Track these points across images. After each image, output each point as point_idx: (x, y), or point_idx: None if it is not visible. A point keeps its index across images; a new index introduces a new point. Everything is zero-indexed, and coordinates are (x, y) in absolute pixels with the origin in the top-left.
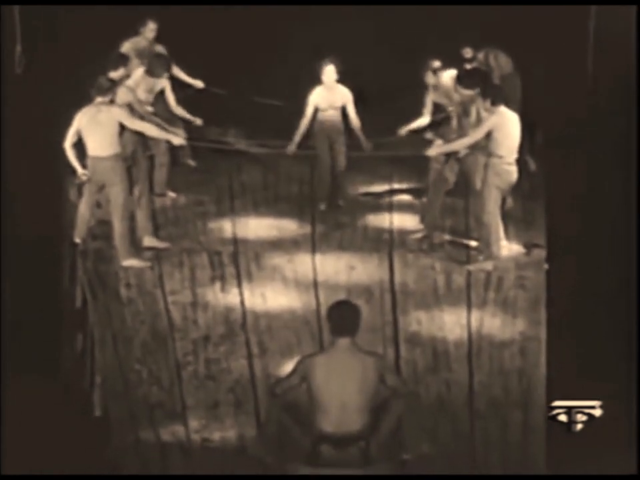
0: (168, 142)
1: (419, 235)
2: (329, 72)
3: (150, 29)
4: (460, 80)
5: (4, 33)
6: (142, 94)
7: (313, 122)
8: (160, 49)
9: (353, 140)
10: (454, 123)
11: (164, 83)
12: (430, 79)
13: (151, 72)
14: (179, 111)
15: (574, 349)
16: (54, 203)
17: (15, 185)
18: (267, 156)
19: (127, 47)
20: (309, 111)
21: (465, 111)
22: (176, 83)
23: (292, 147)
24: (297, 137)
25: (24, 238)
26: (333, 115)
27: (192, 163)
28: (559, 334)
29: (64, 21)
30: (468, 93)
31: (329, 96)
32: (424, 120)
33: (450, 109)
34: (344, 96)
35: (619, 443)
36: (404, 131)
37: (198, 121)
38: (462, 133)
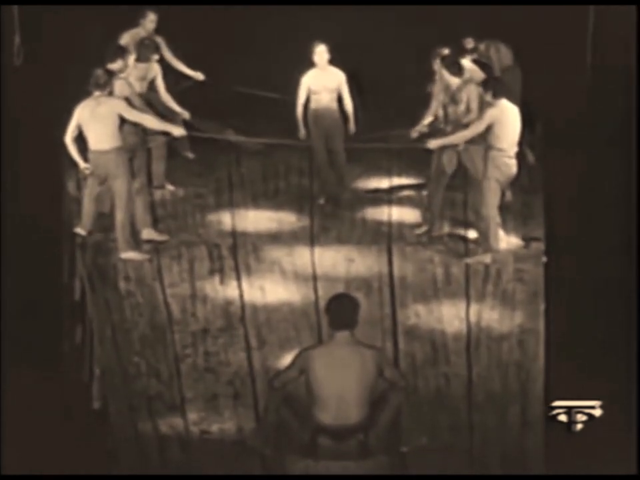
0: (168, 134)
1: (423, 229)
2: (320, 52)
3: (150, 20)
4: (446, 66)
5: (3, 24)
6: (135, 83)
7: (307, 111)
8: (159, 40)
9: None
10: (440, 112)
11: (155, 71)
12: (438, 66)
13: (139, 57)
14: (168, 101)
15: (572, 342)
16: (53, 196)
17: (14, 177)
18: (267, 147)
19: (126, 38)
20: (302, 92)
21: (452, 99)
22: (176, 75)
23: (301, 132)
24: (299, 121)
25: (23, 231)
26: (327, 100)
27: (190, 155)
28: (557, 327)
29: (64, 12)
30: (454, 80)
31: (322, 77)
32: (430, 117)
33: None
34: (337, 77)
35: (619, 443)
36: (415, 132)
37: (185, 115)
38: (448, 121)
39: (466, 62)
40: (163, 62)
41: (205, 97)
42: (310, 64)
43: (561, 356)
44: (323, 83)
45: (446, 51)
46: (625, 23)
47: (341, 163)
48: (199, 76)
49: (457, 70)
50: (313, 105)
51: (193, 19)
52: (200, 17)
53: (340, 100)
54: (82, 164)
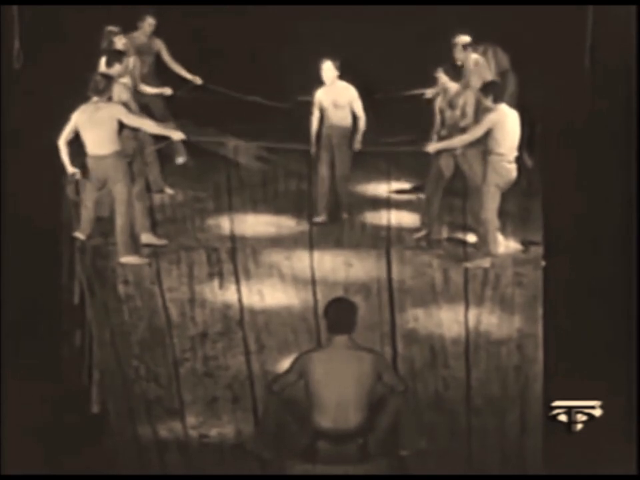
0: (159, 140)
1: (421, 233)
2: (326, 69)
3: (148, 24)
4: (446, 70)
5: (2, 28)
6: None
7: (321, 124)
8: (159, 43)
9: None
10: (437, 117)
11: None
12: (459, 54)
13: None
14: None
15: (571, 346)
16: (52, 200)
17: (13, 181)
18: (267, 151)
19: (125, 42)
20: (315, 110)
21: (450, 104)
22: (175, 80)
23: (312, 149)
24: (312, 137)
25: (23, 234)
26: (338, 117)
27: (183, 159)
28: (556, 331)
29: (63, 16)
30: (452, 85)
31: (331, 93)
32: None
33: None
34: (347, 93)
35: (619, 442)
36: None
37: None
38: (445, 126)
39: (476, 57)
40: (162, 65)
41: (204, 102)
42: (319, 80)
43: (560, 360)
44: (331, 99)
45: (466, 38)
46: (625, 23)
47: (343, 189)
48: (197, 80)
49: (456, 75)
50: (325, 122)
51: (192, 23)
52: (199, 21)
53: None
54: (70, 168)
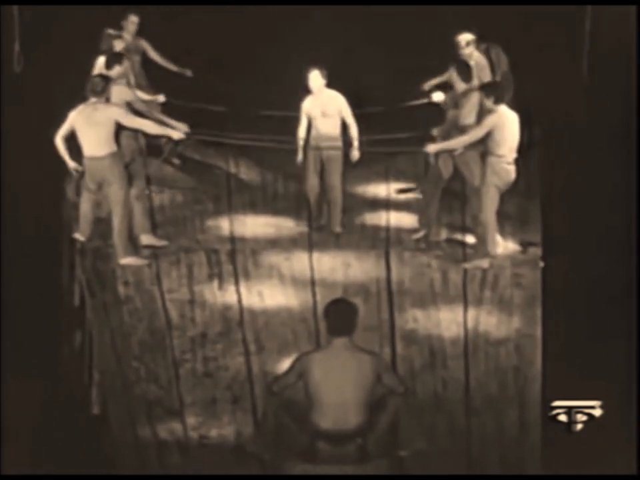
0: (169, 137)
1: (420, 234)
2: (314, 78)
3: (131, 22)
4: (458, 70)
5: (3, 31)
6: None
7: (309, 133)
8: (144, 42)
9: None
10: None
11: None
12: (463, 50)
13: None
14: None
15: (570, 347)
16: (52, 201)
17: (14, 183)
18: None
19: (119, 44)
20: (302, 119)
21: (455, 103)
22: (165, 80)
23: (299, 158)
24: (299, 147)
25: (23, 236)
26: (328, 127)
27: (177, 161)
28: (555, 331)
29: (62, 19)
30: (461, 85)
31: (319, 102)
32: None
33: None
34: (336, 101)
35: (619, 442)
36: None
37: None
38: (446, 124)
39: (478, 56)
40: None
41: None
42: (306, 89)
43: (559, 360)
44: (320, 108)
45: (470, 36)
46: (624, 24)
47: (335, 199)
48: (187, 72)
49: (468, 75)
50: (312, 132)
51: (179, 20)
52: (187, 19)
53: (345, 126)
54: (71, 163)
